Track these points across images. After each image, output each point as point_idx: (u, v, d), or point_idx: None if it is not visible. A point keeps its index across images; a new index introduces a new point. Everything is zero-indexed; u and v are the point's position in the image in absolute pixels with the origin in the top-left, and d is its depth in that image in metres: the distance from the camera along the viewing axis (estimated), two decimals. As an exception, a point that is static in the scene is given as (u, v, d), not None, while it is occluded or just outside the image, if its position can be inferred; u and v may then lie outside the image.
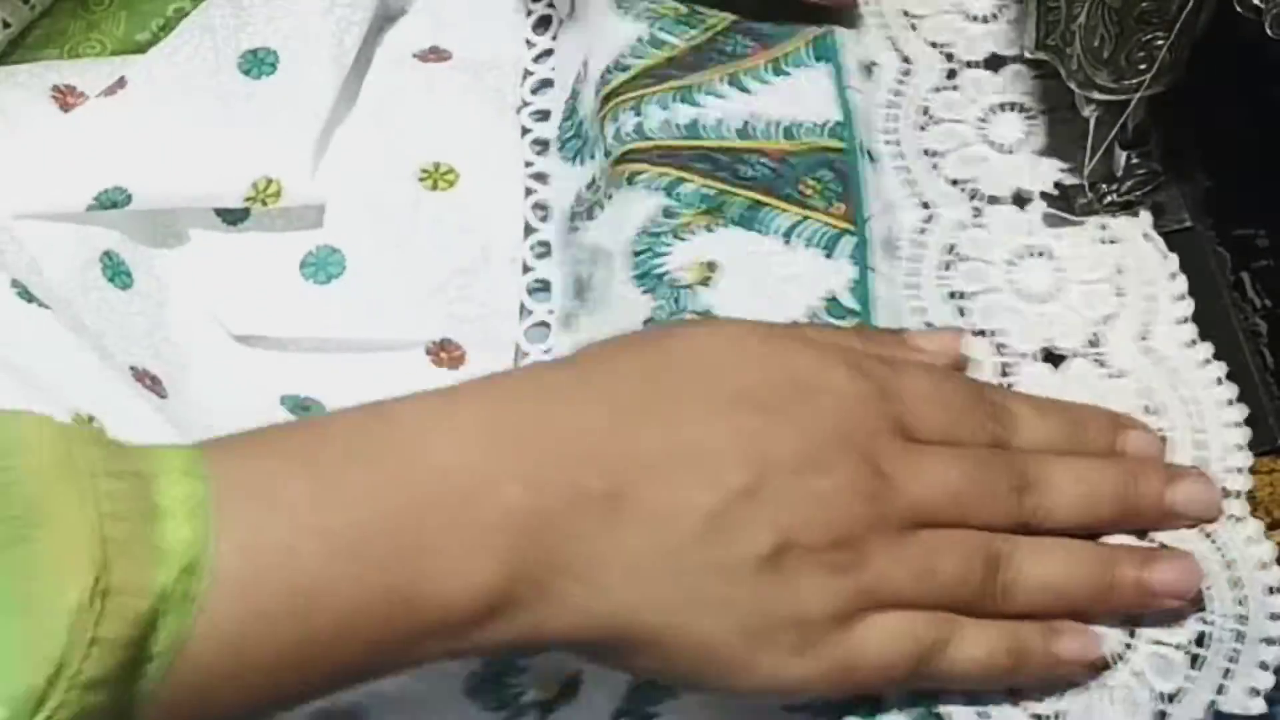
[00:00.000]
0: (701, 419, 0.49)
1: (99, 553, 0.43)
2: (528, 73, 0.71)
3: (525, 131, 0.69)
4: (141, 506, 0.44)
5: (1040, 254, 0.61)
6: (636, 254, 0.60)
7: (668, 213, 0.60)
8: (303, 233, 0.67)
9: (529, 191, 0.68)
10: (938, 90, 0.65)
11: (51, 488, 0.44)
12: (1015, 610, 0.52)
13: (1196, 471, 0.55)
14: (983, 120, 0.64)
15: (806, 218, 0.60)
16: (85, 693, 0.42)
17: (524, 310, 0.65)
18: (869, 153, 0.62)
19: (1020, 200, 0.62)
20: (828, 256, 0.59)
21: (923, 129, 0.64)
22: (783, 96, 0.63)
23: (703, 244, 0.60)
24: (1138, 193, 0.61)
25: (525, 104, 0.70)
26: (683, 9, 0.65)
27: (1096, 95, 0.58)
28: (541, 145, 0.69)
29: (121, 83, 0.67)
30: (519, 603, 0.47)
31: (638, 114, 0.63)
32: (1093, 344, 0.58)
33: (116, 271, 0.65)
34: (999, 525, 0.52)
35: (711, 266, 0.59)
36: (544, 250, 0.66)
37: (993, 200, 0.62)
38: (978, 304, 0.59)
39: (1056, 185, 0.61)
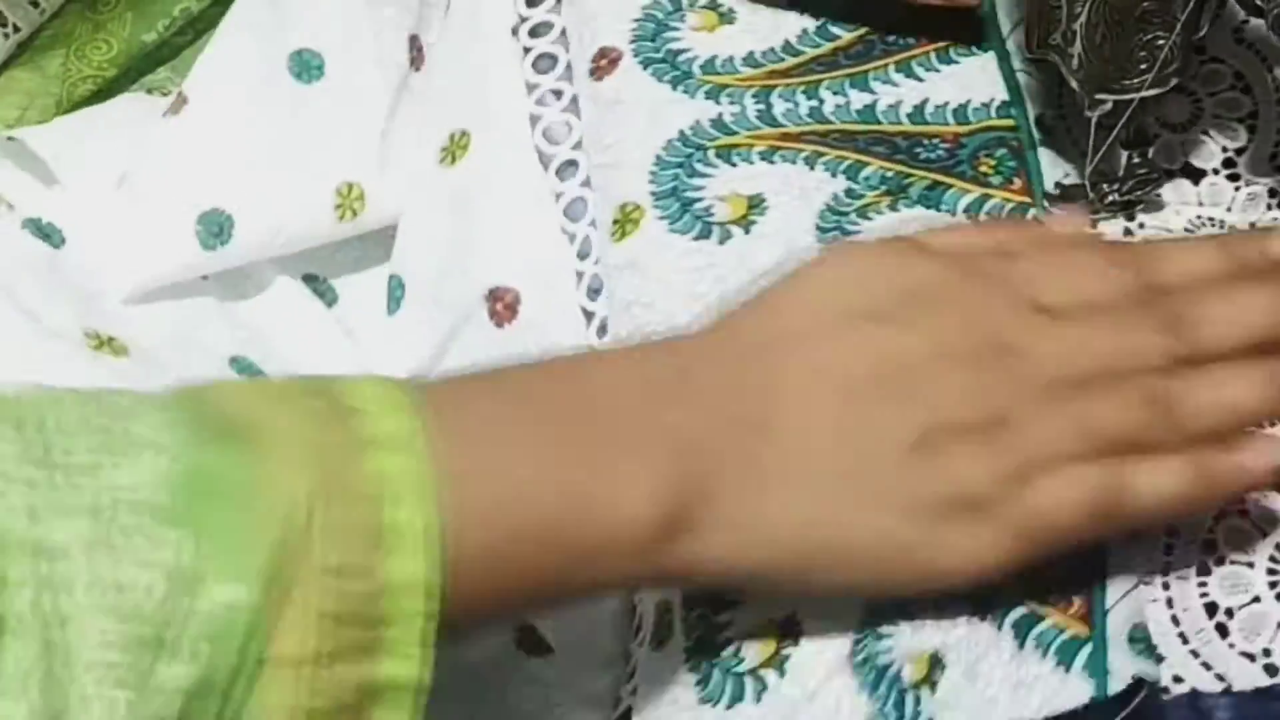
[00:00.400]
0: (830, 338, 0.52)
1: (313, 450, 0.45)
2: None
3: (526, 51, 0.69)
4: (342, 410, 0.46)
5: (1216, 224, 0.62)
6: (823, 230, 0.61)
7: (851, 194, 0.62)
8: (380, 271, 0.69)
9: (534, 120, 0.67)
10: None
11: (256, 405, 0.46)
12: (1193, 439, 0.52)
13: None
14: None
15: (988, 195, 0.61)
16: (336, 579, 0.44)
17: (567, 235, 0.65)
18: (1043, 125, 0.63)
19: (1192, 174, 0.63)
20: None
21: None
22: (952, 82, 0.65)
23: (889, 222, 0.61)
24: (1139, 192, 0.61)
25: (522, 19, 0.70)
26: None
27: (1098, 95, 0.59)
28: (549, 60, 0.69)
29: (183, 99, 0.68)
30: (692, 519, 0.49)
31: (812, 98, 0.65)
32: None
33: (253, 375, 0.66)
34: (1154, 368, 0.52)
35: None
36: (570, 171, 0.67)
37: (1167, 174, 0.63)
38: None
39: (1057, 185, 0.62)
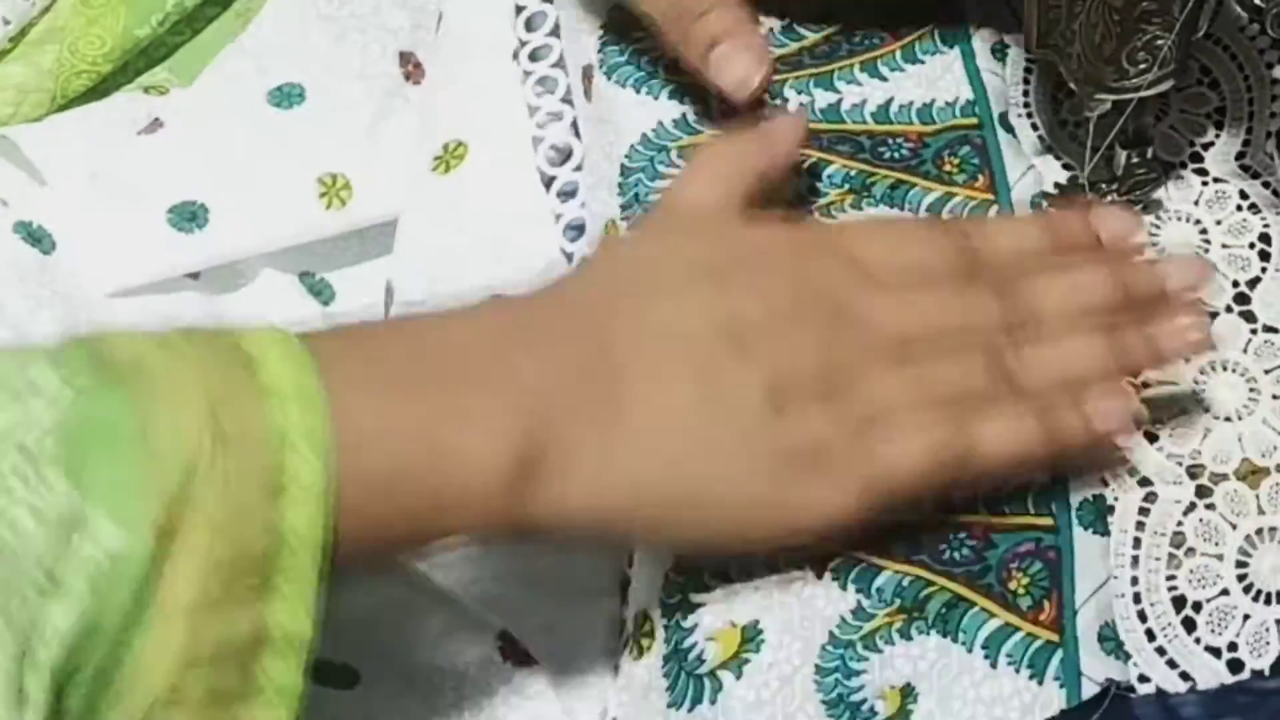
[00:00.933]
0: (666, 296, 0.53)
1: (210, 395, 0.45)
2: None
3: (526, 75, 0.69)
4: (240, 358, 0.46)
5: (1184, 219, 0.61)
6: None
7: (813, 191, 0.62)
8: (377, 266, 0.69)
9: (537, 141, 0.68)
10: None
11: (149, 351, 0.45)
12: (1033, 395, 0.52)
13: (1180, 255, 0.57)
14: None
15: (951, 194, 0.61)
16: (231, 526, 0.44)
17: (566, 255, 0.66)
18: (1006, 125, 0.63)
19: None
20: None
21: (1058, 101, 0.64)
22: (917, 81, 0.64)
23: (853, 220, 0.61)
24: (1138, 192, 0.61)
25: (522, 43, 0.70)
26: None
27: (1098, 94, 0.58)
28: (549, 83, 0.69)
29: (158, 123, 0.68)
30: (548, 463, 0.49)
31: (776, 97, 0.64)
32: (1240, 301, 0.60)
33: None
34: (991, 333, 0.53)
35: None
36: (571, 193, 0.67)
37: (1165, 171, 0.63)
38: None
39: (1056, 185, 0.62)
